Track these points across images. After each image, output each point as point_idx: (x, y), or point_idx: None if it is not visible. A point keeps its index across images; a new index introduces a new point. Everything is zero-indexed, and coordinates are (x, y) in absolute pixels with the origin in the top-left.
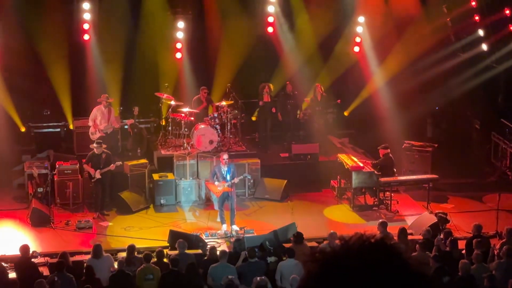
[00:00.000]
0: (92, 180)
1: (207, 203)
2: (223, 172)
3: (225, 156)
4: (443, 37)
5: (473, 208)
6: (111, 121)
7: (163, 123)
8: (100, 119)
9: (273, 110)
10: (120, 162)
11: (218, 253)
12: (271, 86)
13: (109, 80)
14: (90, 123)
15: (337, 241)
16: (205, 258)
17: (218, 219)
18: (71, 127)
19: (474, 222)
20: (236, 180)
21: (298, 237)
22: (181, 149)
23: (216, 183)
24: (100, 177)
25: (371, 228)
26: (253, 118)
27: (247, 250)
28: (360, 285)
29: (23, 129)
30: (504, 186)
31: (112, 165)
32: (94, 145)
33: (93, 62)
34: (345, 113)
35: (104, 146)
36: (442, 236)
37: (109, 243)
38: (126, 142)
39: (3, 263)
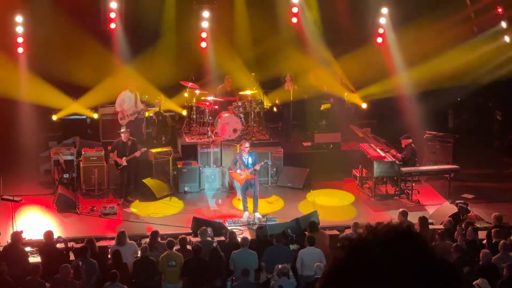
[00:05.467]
0: (119, 168)
1: (230, 190)
2: (244, 160)
3: (247, 145)
4: (466, 28)
5: (493, 199)
6: (138, 105)
7: (186, 112)
8: (128, 104)
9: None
10: (145, 149)
11: (238, 239)
12: (292, 75)
13: (134, 68)
14: (118, 109)
15: (360, 230)
16: (225, 242)
17: (241, 207)
18: (95, 116)
19: (494, 213)
20: (257, 166)
21: (313, 226)
22: (205, 137)
23: (238, 171)
24: (126, 164)
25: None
26: (275, 109)
27: (274, 236)
28: (387, 272)
29: (54, 117)
30: None
31: (137, 151)
32: (122, 130)
33: (119, 51)
34: (363, 105)
35: (128, 130)
36: (463, 226)
37: (133, 229)
38: (151, 129)
39: (28, 248)
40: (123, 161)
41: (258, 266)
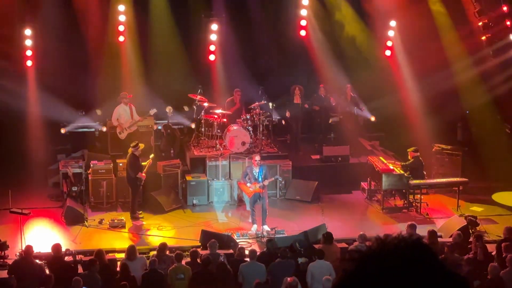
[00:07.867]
0: (141, 184)
1: (239, 203)
2: (254, 174)
3: (257, 158)
4: (474, 41)
5: (502, 212)
6: (135, 117)
7: (194, 125)
8: (124, 117)
9: (306, 106)
10: (152, 155)
11: (247, 252)
12: (302, 88)
13: (143, 81)
14: (115, 123)
15: (367, 242)
16: (234, 257)
17: (250, 220)
18: (104, 129)
19: (504, 226)
20: (266, 182)
21: (328, 237)
22: (213, 150)
23: (248, 184)
24: (145, 176)
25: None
26: (283, 122)
27: (279, 250)
28: (397, 283)
29: (63, 131)
30: None
31: (149, 160)
32: (132, 149)
33: (128, 64)
34: (372, 118)
35: (142, 145)
36: (472, 239)
37: (142, 242)
38: (159, 142)
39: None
40: (143, 175)
41: (266, 279)
